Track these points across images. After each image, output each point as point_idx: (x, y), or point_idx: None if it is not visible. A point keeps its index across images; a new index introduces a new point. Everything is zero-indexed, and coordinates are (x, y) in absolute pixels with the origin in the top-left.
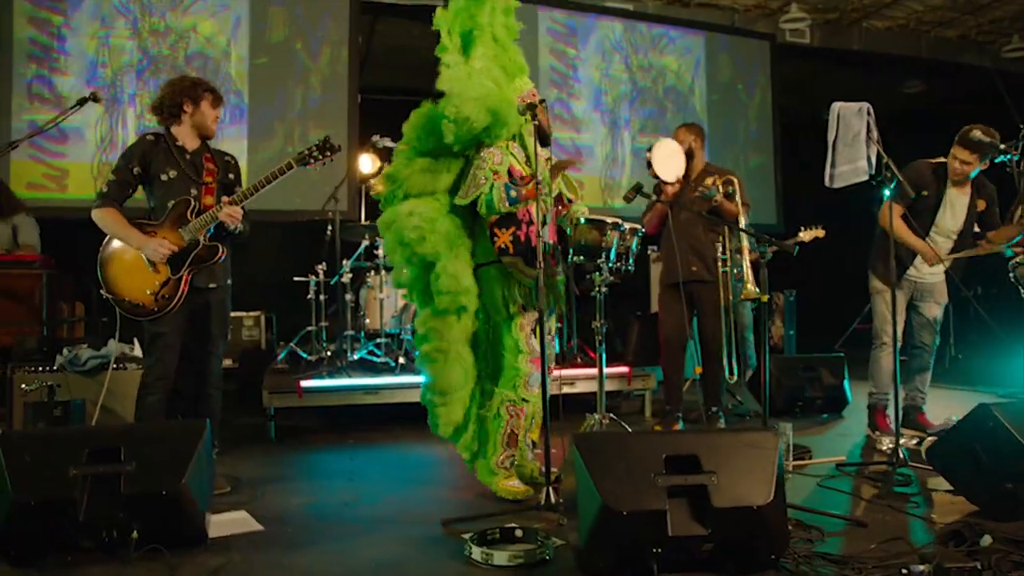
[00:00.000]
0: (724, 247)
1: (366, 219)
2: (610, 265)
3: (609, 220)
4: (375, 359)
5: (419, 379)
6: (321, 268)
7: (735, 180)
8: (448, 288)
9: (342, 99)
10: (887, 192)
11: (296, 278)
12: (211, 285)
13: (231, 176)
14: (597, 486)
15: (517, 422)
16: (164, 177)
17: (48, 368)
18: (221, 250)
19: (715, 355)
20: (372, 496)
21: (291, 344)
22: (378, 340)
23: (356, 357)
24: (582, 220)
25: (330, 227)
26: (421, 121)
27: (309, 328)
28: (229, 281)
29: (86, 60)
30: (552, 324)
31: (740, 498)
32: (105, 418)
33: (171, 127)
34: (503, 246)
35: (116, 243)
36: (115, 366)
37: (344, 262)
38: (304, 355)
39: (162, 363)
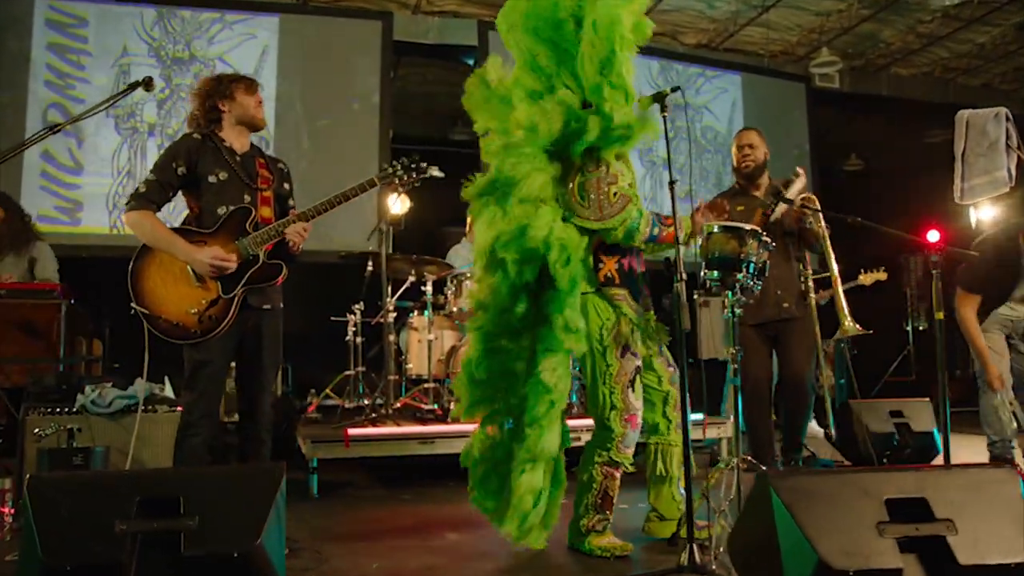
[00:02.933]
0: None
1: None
2: (748, 281)
3: (747, 227)
4: (421, 406)
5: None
6: (358, 308)
7: (815, 198)
8: (576, 325)
9: (371, 137)
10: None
11: (333, 318)
12: (265, 306)
13: (286, 187)
14: (811, 539)
15: (612, 483)
16: (213, 179)
17: (67, 409)
18: (284, 271)
19: (804, 400)
20: (454, 559)
21: (325, 391)
22: (425, 385)
23: (399, 404)
24: (715, 228)
25: (371, 263)
26: (557, 108)
27: (347, 373)
28: (282, 305)
29: (105, 89)
30: (664, 365)
31: (989, 553)
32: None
33: (215, 132)
34: (609, 275)
35: (152, 252)
36: (145, 408)
37: (378, 300)
38: (335, 402)
39: (206, 398)
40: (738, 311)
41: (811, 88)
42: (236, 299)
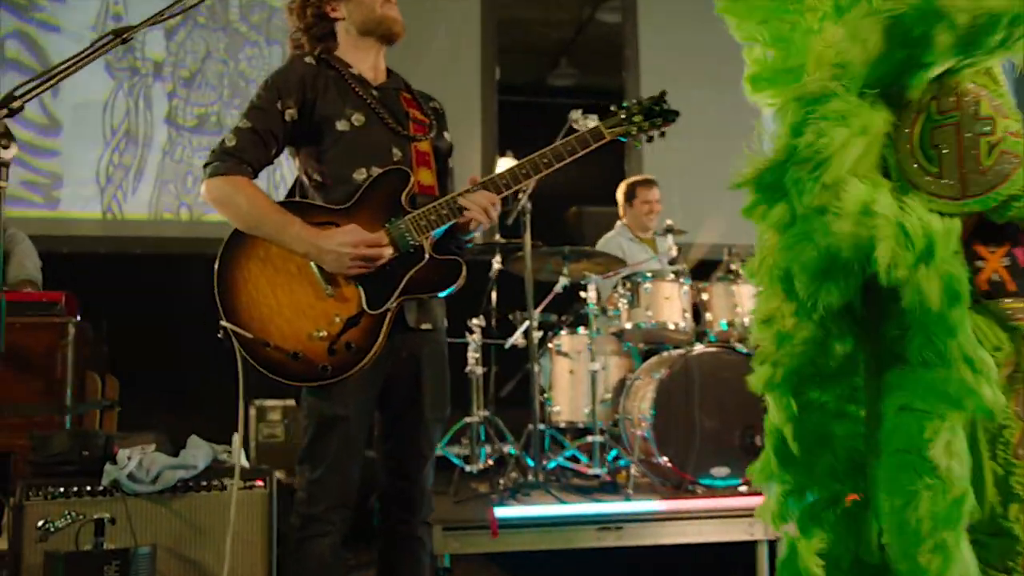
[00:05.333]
0: None
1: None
2: None
3: None
4: (584, 469)
5: (710, 505)
6: (478, 324)
7: None
8: (983, 362)
9: (471, 92)
10: None
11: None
12: (425, 326)
13: (447, 137)
14: None
15: None
16: (343, 125)
17: (90, 488)
18: (463, 271)
19: None
20: None
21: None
22: (588, 438)
23: (549, 467)
24: None
25: (498, 257)
26: (871, 21)
27: (468, 419)
28: (446, 323)
29: (86, 8)
30: None
31: None
32: None
33: (331, 53)
34: (996, 278)
35: (251, 241)
36: (206, 483)
37: (509, 313)
38: (457, 460)
39: (339, 475)
40: None
41: None
42: (389, 316)
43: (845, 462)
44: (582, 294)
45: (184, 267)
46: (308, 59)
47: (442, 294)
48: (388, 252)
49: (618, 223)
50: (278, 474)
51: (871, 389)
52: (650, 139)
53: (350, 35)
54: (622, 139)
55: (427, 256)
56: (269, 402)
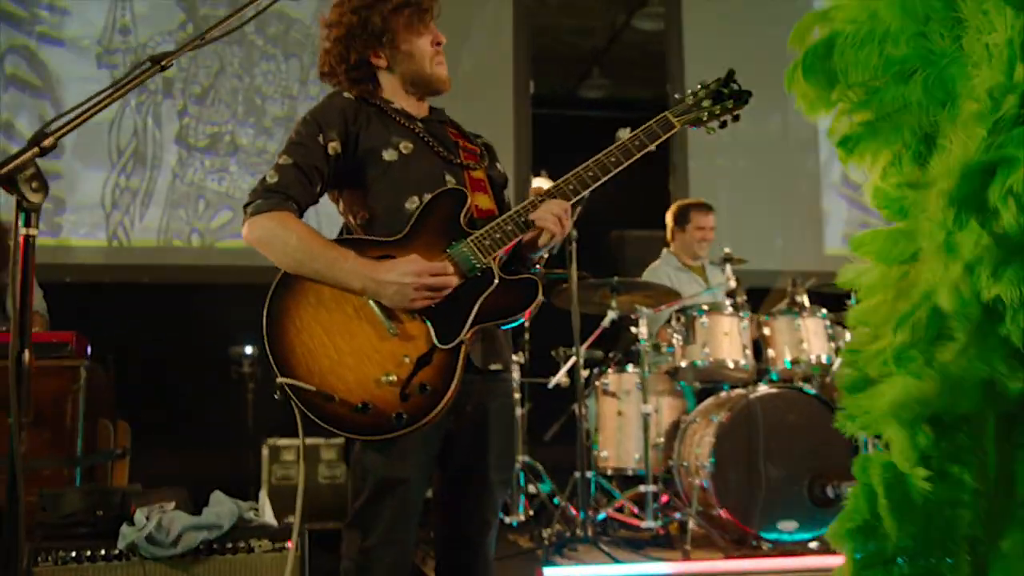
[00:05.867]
0: None
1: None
2: None
3: None
4: (636, 522)
5: (777, 565)
6: (518, 360)
7: None
8: None
9: (504, 103)
10: None
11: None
12: (494, 366)
13: (500, 169)
14: None
15: None
16: (391, 154)
17: (105, 553)
18: (539, 292)
19: None
20: None
21: None
22: (640, 487)
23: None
24: None
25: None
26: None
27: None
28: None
29: (93, 23)
30: None
31: None
32: None
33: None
34: None
35: (299, 285)
36: (232, 545)
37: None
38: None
39: (395, 548)
40: None
41: None
42: (463, 349)
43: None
44: (632, 329)
45: (196, 297)
46: (347, 94)
47: (519, 319)
48: (454, 280)
49: (664, 251)
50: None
51: (1002, 447)
52: (723, 124)
53: (393, 84)
54: (693, 127)
55: (496, 278)
56: (283, 441)
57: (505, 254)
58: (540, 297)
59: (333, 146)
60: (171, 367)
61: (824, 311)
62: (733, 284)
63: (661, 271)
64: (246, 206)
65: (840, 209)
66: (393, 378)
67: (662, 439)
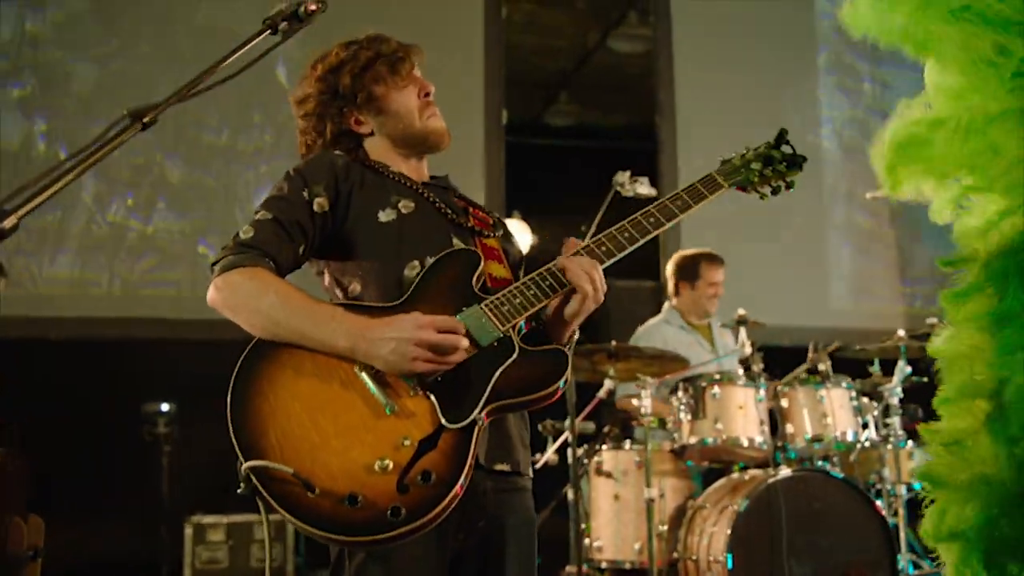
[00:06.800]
0: None
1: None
2: None
3: None
4: None
5: None
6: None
7: None
8: None
9: (474, 132)
10: None
11: None
12: (502, 467)
13: (516, 244)
14: None
15: None
16: (387, 215)
17: None
18: (566, 363)
19: None
20: None
21: None
22: None
23: None
24: None
25: None
26: None
27: None
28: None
29: None
30: None
31: None
32: None
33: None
34: None
35: (275, 354)
36: None
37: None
38: None
39: None
40: None
41: None
42: (478, 431)
43: None
44: (634, 401)
45: (115, 355)
46: (339, 152)
47: (543, 399)
48: (464, 342)
49: (666, 305)
50: None
51: None
52: (775, 191)
53: (383, 149)
54: (742, 190)
55: (517, 348)
56: (208, 518)
57: (526, 327)
58: (568, 373)
59: (320, 202)
60: (81, 436)
61: (849, 381)
62: (748, 350)
63: (662, 330)
64: (214, 264)
65: (843, 257)
66: (389, 464)
67: (665, 527)
